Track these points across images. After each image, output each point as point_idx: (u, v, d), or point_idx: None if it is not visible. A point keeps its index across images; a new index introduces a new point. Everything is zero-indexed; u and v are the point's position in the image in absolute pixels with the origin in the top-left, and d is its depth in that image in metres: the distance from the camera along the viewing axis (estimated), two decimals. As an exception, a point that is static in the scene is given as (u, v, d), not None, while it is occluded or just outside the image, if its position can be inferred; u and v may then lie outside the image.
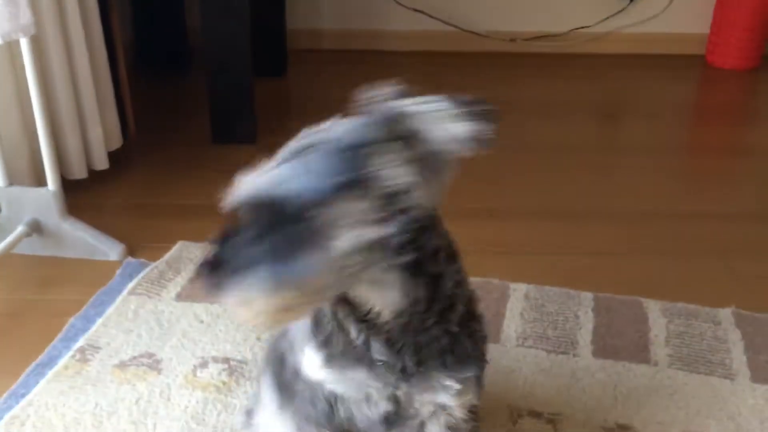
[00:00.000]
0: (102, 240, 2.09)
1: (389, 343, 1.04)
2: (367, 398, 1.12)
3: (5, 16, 1.75)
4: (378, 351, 1.04)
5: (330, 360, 1.08)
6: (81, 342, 1.72)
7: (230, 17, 2.72)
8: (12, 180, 2.07)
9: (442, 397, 1.09)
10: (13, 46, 2.07)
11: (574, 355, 1.71)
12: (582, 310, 1.86)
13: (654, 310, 1.86)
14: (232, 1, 2.69)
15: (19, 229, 2.03)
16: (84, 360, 1.66)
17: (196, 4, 2.78)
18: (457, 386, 1.08)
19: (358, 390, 1.10)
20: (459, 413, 1.13)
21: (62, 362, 1.66)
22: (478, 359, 1.11)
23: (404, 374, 1.06)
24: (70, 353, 1.68)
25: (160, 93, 3.41)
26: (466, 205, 2.41)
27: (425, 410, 1.12)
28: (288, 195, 0.88)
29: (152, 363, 1.66)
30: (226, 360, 1.66)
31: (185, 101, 3.35)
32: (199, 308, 1.84)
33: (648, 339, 1.76)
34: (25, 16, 1.79)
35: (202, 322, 1.80)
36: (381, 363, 1.05)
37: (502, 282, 1.97)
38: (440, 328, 1.04)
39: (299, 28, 3.77)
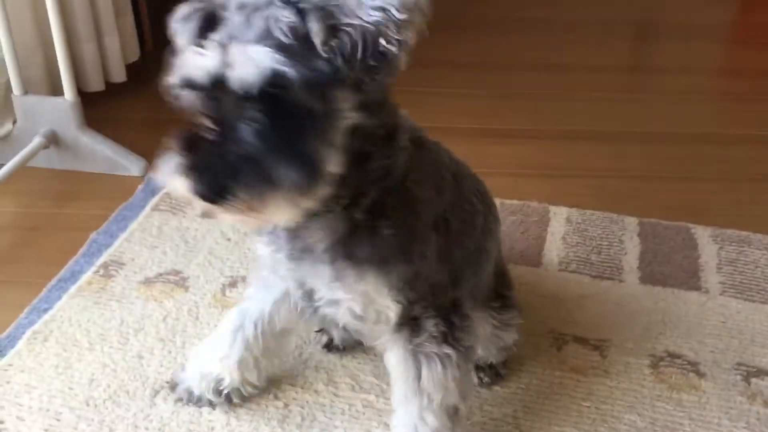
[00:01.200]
0: (122, 154, 2.00)
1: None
2: (284, 279, 1.12)
3: None
4: (280, 230, 1.02)
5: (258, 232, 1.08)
6: (104, 257, 1.65)
7: None
8: (27, 89, 1.97)
9: (328, 291, 1.04)
10: (24, -55, 1.94)
11: (620, 281, 1.63)
12: (627, 235, 1.77)
13: (703, 236, 1.77)
14: None
15: (36, 140, 1.93)
16: (108, 276, 1.59)
17: None
18: (332, 278, 1.02)
19: (268, 261, 1.09)
20: (356, 307, 1.05)
21: (85, 277, 1.59)
22: (376, 257, 1.00)
23: (294, 258, 1.03)
24: (93, 268, 1.62)
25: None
26: (504, 126, 2.31)
27: (326, 296, 1.06)
28: (286, 82, 0.80)
29: (179, 280, 1.59)
30: (256, 279, 1.59)
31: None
32: (225, 226, 1.76)
33: (698, 266, 1.67)
34: None
35: (229, 240, 1.72)
36: (282, 239, 1.03)
37: (541, 205, 1.88)
38: (338, 213, 0.97)
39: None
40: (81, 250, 1.68)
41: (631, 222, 1.82)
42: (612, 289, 1.61)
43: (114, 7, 2.28)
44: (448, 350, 1.10)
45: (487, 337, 1.31)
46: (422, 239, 1.04)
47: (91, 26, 2.20)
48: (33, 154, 1.92)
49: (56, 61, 1.92)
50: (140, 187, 1.93)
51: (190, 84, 0.85)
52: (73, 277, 1.60)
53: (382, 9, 0.81)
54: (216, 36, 0.84)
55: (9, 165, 1.85)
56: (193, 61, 0.84)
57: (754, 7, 3.47)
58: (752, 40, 3.16)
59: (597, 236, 1.77)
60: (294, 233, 1.01)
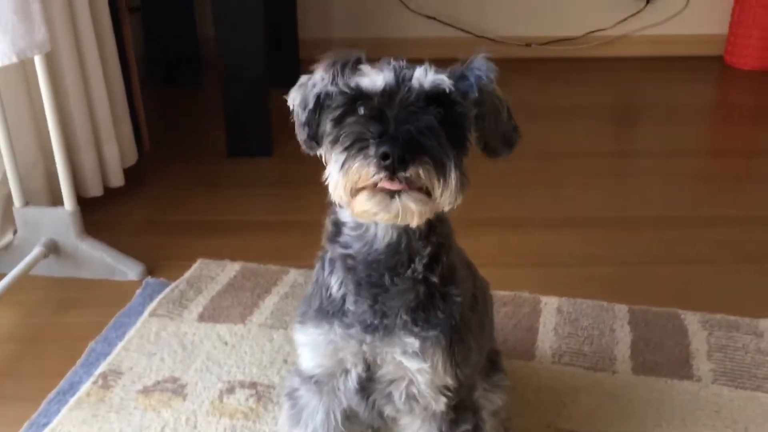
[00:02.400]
0: (120, 259, 2.04)
1: (360, 287, 1.05)
2: (340, 364, 1.12)
3: (20, 32, 1.70)
4: (351, 301, 1.06)
5: (304, 317, 1.12)
6: (102, 367, 1.67)
7: (245, 27, 2.67)
8: (28, 200, 2.03)
9: (402, 356, 1.07)
10: (26, 64, 2.03)
11: (613, 372, 1.65)
12: (618, 324, 1.80)
13: (693, 322, 1.80)
14: (247, 11, 2.65)
15: (36, 250, 1.98)
16: (106, 386, 1.61)
17: (209, 15, 2.73)
18: (416, 344, 1.06)
19: (326, 347, 1.10)
20: (422, 381, 1.08)
21: (84, 389, 1.60)
22: (447, 324, 1.08)
23: (369, 327, 1.06)
24: (92, 379, 1.63)
25: (174, 107, 3.37)
26: (490, 216, 2.36)
27: (390, 372, 1.09)
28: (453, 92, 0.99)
29: (177, 388, 1.60)
30: (253, 385, 1.61)
31: (199, 115, 3.30)
32: (222, 329, 1.79)
33: (689, 353, 1.70)
34: (41, 32, 1.74)
35: (226, 343, 1.74)
36: (350, 313, 1.07)
37: (532, 295, 1.91)
38: (420, 274, 1.05)
39: (311, 37, 3.71)
40: (79, 360, 1.70)
41: (621, 309, 1.85)
42: (606, 380, 1.63)
43: (113, 115, 2.37)
44: None
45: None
46: (469, 314, 1.13)
47: (91, 136, 2.28)
48: (33, 264, 1.96)
49: (56, 172, 1.98)
50: (138, 291, 1.96)
51: (358, 94, 0.99)
52: (72, 388, 1.61)
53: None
54: (373, 70, 1.01)
55: (10, 275, 1.89)
56: (369, 77, 0.99)
57: (733, 88, 3.59)
58: (733, 120, 3.26)
59: (588, 326, 1.80)
60: (374, 297, 1.06)
